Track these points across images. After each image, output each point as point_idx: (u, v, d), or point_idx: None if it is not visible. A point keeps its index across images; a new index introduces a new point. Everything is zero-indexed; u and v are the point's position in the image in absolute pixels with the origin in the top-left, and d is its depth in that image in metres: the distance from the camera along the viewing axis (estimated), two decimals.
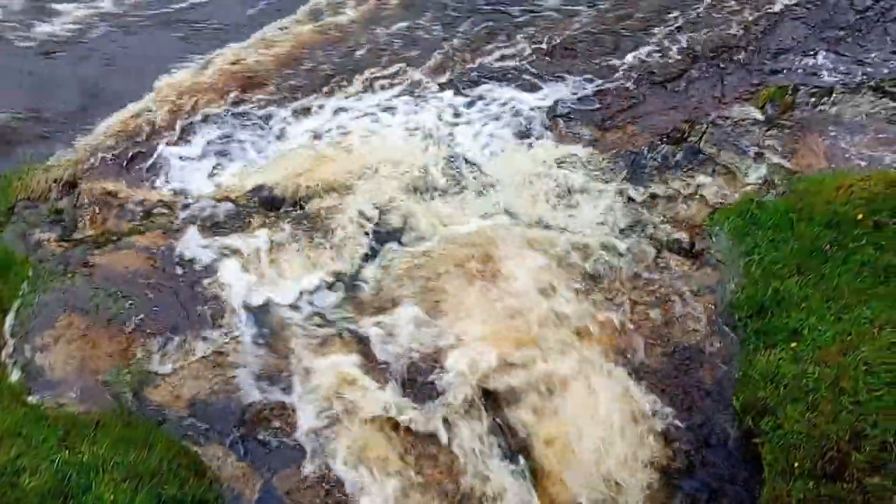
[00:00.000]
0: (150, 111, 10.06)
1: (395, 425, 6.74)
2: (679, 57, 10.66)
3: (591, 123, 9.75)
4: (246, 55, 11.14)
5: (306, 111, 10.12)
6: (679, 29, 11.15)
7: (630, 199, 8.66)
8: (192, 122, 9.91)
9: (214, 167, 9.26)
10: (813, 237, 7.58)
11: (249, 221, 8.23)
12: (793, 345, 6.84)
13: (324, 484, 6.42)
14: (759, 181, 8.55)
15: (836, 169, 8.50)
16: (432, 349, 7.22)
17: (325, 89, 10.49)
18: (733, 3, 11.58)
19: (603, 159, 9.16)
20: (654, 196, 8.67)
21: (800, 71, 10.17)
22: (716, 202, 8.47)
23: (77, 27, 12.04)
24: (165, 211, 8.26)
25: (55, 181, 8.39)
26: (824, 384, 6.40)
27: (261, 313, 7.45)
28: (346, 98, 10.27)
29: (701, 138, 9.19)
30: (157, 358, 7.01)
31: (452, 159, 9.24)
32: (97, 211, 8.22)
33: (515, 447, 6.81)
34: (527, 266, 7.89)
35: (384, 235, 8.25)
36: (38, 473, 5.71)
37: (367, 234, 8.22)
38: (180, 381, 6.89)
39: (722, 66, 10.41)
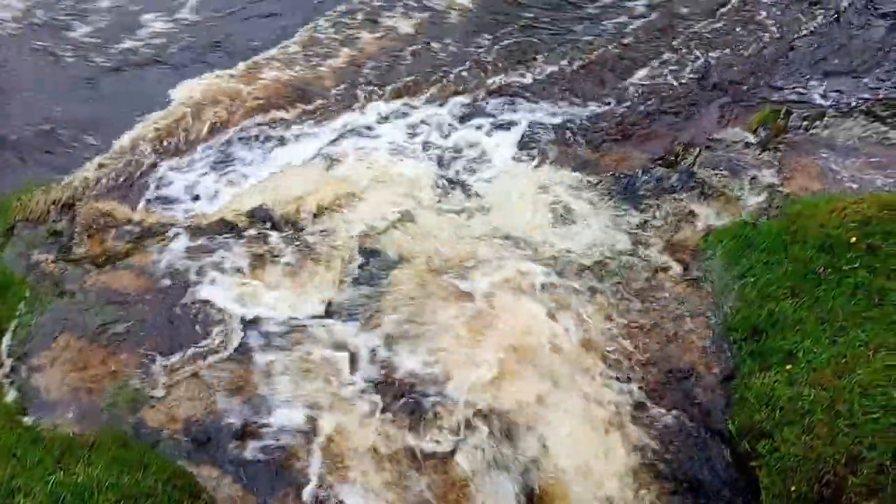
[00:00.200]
0: (152, 132, 10.02)
1: (391, 447, 6.60)
2: (674, 82, 10.64)
3: (587, 145, 9.71)
4: (242, 78, 11.10)
5: (306, 132, 10.08)
6: (676, 57, 11.14)
7: (625, 221, 8.59)
8: (192, 143, 9.87)
9: (213, 187, 9.20)
10: (807, 260, 7.50)
11: (247, 242, 8.12)
12: (788, 367, 6.74)
13: None
14: (753, 204, 8.47)
15: (829, 192, 8.43)
16: (425, 371, 7.08)
17: (325, 110, 10.46)
18: (727, 32, 11.59)
19: (599, 181, 9.11)
20: (648, 218, 8.60)
21: (792, 95, 10.14)
22: (710, 224, 8.39)
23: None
24: (162, 231, 8.17)
25: (54, 202, 8.32)
26: (820, 407, 6.31)
27: (257, 333, 7.33)
28: (344, 118, 10.22)
29: (695, 161, 9.14)
30: (153, 378, 6.88)
31: (450, 179, 9.18)
32: (95, 232, 8.13)
33: (512, 470, 6.71)
34: (521, 288, 7.79)
35: (378, 256, 8.15)
36: (33, 495, 5.58)
37: (361, 254, 8.13)
38: (175, 402, 6.77)
39: (715, 90, 10.39)
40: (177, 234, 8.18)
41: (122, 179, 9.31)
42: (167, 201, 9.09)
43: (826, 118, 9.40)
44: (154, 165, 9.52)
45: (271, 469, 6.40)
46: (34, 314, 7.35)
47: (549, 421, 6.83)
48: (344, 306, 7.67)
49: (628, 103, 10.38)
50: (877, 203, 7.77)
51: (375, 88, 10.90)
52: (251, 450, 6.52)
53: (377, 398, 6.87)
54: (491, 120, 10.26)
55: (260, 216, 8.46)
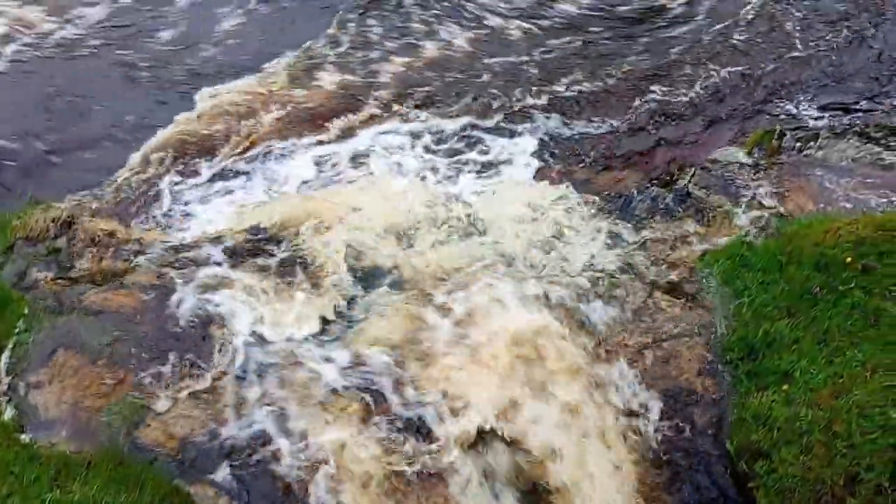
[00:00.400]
0: (152, 152, 10.00)
1: (390, 468, 6.50)
2: (670, 102, 10.60)
3: (585, 164, 9.67)
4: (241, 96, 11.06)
5: (308, 150, 10.04)
6: (675, 80, 11.11)
7: (621, 241, 8.52)
8: (191, 162, 9.83)
9: (215, 206, 9.17)
10: (802, 280, 7.42)
11: (245, 261, 8.04)
12: (785, 387, 6.66)
13: None
14: (748, 224, 8.40)
15: (824, 212, 8.37)
16: (419, 390, 7.00)
17: (326, 129, 10.43)
18: (726, 55, 11.56)
19: (595, 201, 9.06)
20: (644, 238, 8.53)
21: (786, 116, 10.10)
22: (705, 244, 8.32)
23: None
24: (160, 250, 8.07)
25: (53, 220, 8.22)
26: (817, 427, 6.22)
27: (256, 352, 7.22)
28: (343, 138, 10.18)
29: (690, 181, 9.07)
30: (150, 397, 6.77)
31: (447, 199, 9.11)
32: (94, 250, 8.04)
33: (506, 488, 6.61)
34: (516, 307, 7.69)
35: (375, 274, 8.08)
36: None
37: (358, 272, 8.06)
38: (173, 420, 6.66)
39: (710, 111, 10.35)
40: (176, 253, 8.09)
41: (124, 197, 9.26)
42: (169, 219, 9.04)
43: (820, 139, 9.35)
44: (158, 182, 9.47)
45: (268, 489, 6.30)
46: (32, 332, 7.23)
47: (543, 441, 6.74)
48: (343, 325, 7.59)
49: (630, 122, 10.33)
50: (871, 223, 7.71)
51: (382, 103, 10.85)
52: (248, 470, 6.41)
53: (374, 417, 6.77)
54: (495, 138, 10.21)
55: (260, 235, 8.38)
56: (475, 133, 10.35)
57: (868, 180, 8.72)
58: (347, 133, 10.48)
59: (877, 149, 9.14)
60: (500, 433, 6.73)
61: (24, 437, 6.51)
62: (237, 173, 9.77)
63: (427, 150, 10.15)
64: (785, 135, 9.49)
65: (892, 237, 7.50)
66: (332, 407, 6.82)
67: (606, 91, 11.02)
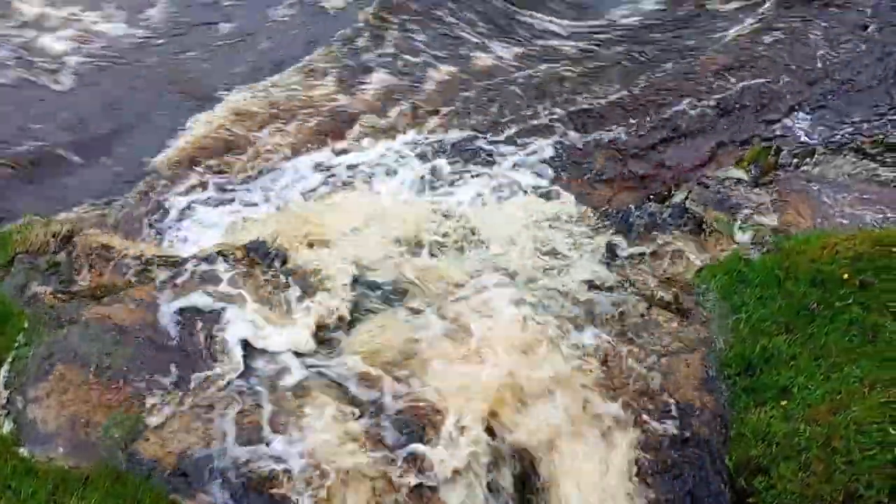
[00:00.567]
0: (153, 168, 9.96)
1: (390, 478, 6.41)
2: (667, 117, 10.55)
3: (582, 180, 9.61)
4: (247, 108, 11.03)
5: (312, 161, 9.99)
6: (671, 92, 11.07)
7: (619, 256, 8.45)
8: (192, 176, 9.78)
9: (212, 220, 9.10)
10: (800, 295, 7.36)
11: (245, 274, 7.96)
12: (783, 403, 6.59)
13: None
14: (745, 239, 8.35)
15: (821, 228, 8.32)
16: (419, 403, 6.90)
17: (324, 143, 10.37)
18: (721, 72, 11.52)
19: (593, 215, 9.00)
20: (642, 253, 8.47)
21: (783, 132, 10.06)
22: (703, 259, 8.26)
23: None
24: (160, 264, 8.00)
25: (54, 235, 8.16)
26: (816, 443, 6.15)
27: (254, 366, 7.15)
28: (343, 152, 10.13)
29: (687, 197, 9.02)
30: (148, 411, 6.69)
31: (446, 213, 9.05)
32: (94, 264, 7.97)
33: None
34: (515, 322, 7.59)
35: (374, 288, 7.99)
36: None
37: (358, 286, 7.97)
38: (170, 435, 6.58)
39: (708, 127, 10.30)
40: (175, 267, 8.01)
41: (126, 210, 9.21)
42: (169, 233, 8.98)
43: (816, 155, 9.31)
44: (162, 195, 9.42)
45: None
46: (32, 346, 7.16)
47: (541, 456, 6.67)
48: (342, 338, 7.51)
49: (634, 135, 10.28)
50: (868, 239, 7.66)
51: (362, 123, 10.79)
52: (245, 484, 6.32)
53: (375, 431, 6.69)
54: (499, 152, 10.16)
55: (260, 248, 8.31)
56: (479, 146, 10.29)
57: (864, 196, 8.68)
58: (352, 146, 10.42)
59: (872, 165, 9.11)
60: (490, 446, 6.67)
61: (23, 452, 6.44)
62: (241, 185, 9.71)
63: (430, 161, 10.10)
64: (781, 151, 9.45)
65: (889, 253, 7.45)
66: (332, 420, 6.73)
67: (611, 105, 10.97)
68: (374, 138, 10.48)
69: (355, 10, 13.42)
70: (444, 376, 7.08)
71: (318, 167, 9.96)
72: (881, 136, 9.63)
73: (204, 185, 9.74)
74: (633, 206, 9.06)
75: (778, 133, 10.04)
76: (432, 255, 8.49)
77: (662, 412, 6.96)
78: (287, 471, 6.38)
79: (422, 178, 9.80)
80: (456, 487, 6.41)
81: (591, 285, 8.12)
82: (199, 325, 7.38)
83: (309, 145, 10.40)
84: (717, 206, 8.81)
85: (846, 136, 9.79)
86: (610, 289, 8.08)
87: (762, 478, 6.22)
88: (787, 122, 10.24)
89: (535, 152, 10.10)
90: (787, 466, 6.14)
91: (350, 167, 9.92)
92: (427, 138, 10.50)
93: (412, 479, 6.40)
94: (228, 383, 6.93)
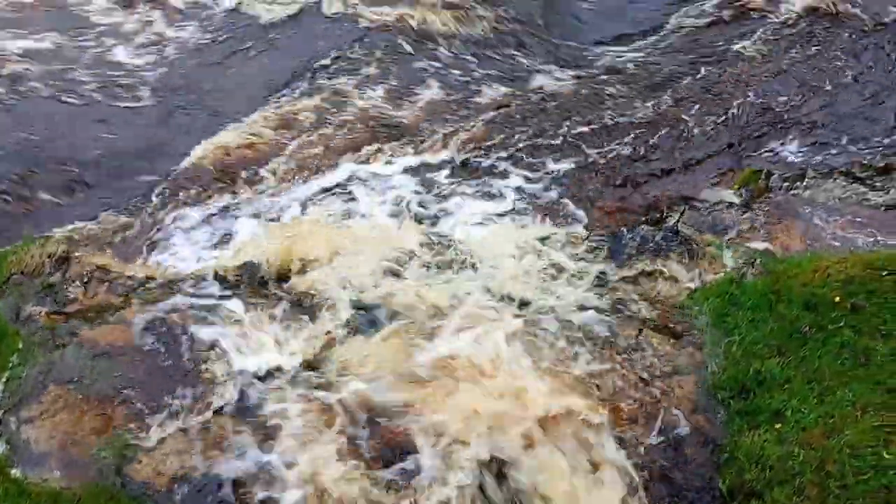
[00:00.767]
0: (151, 189, 9.90)
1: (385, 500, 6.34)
2: (657, 141, 10.53)
3: (573, 203, 9.56)
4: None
5: (309, 183, 9.93)
6: (661, 117, 11.05)
7: (612, 278, 8.38)
8: (187, 199, 9.71)
9: (206, 242, 9.04)
10: (792, 318, 7.30)
11: (239, 295, 7.89)
12: (777, 426, 6.51)
13: None
14: (737, 262, 8.27)
15: (812, 251, 8.27)
16: (410, 425, 6.82)
17: (315, 168, 10.31)
18: (710, 94, 11.51)
19: (584, 238, 8.93)
20: (635, 275, 8.39)
21: (773, 156, 10.03)
22: (695, 282, 8.18)
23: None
24: (155, 286, 7.93)
25: (49, 255, 8.08)
26: (810, 467, 6.07)
27: (247, 388, 7.06)
28: (333, 175, 10.07)
29: (679, 220, 8.98)
30: (142, 433, 6.62)
31: (438, 236, 8.98)
32: (89, 285, 7.89)
33: None
34: (505, 344, 7.50)
35: (366, 310, 7.90)
36: None
37: (351, 307, 7.87)
38: (164, 457, 6.50)
39: (699, 151, 10.28)
40: (171, 288, 7.94)
41: (122, 231, 9.14)
42: (164, 254, 8.91)
43: (806, 179, 9.28)
44: (160, 216, 9.36)
45: None
46: (26, 366, 7.09)
47: (534, 479, 6.58)
48: (336, 358, 7.41)
49: (615, 160, 10.24)
50: (859, 262, 7.63)
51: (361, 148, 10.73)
52: None
53: (366, 453, 6.61)
54: (491, 175, 10.11)
55: (254, 269, 8.24)
56: (466, 170, 10.25)
57: (855, 219, 8.65)
58: (348, 168, 10.35)
59: (862, 189, 9.08)
60: (481, 466, 6.59)
61: (15, 473, 6.39)
62: (238, 207, 9.64)
63: (420, 183, 10.05)
64: (772, 174, 9.42)
65: (880, 276, 7.42)
66: (326, 442, 6.66)
67: (605, 127, 10.94)
68: (371, 159, 10.43)
69: None
70: (433, 398, 7.00)
71: (316, 187, 9.89)
72: (870, 160, 9.62)
73: (202, 206, 9.67)
74: (625, 229, 9.00)
75: (768, 157, 10.01)
76: (422, 276, 8.41)
77: (655, 435, 6.89)
78: (281, 493, 6.31)
79: (409, 202, 9.75)
80: None
81: (584, 307, 8.04)
82: (193, 346, 7.30)
83: (306, 168, 10.35)
84: (709, 229, 8.77)
85: (837, 159, 9.78)
86: (603, 311, 8.00)
87: (756, 502, 6.12)
88: (777, 146, 10.22)
89: (530, 176, 10.05)
90: (781, 491, 6.05)
91: (349, 187, 9.86)
92: (413, 161, 10.44)
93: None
94: (221, 405, 6.85)
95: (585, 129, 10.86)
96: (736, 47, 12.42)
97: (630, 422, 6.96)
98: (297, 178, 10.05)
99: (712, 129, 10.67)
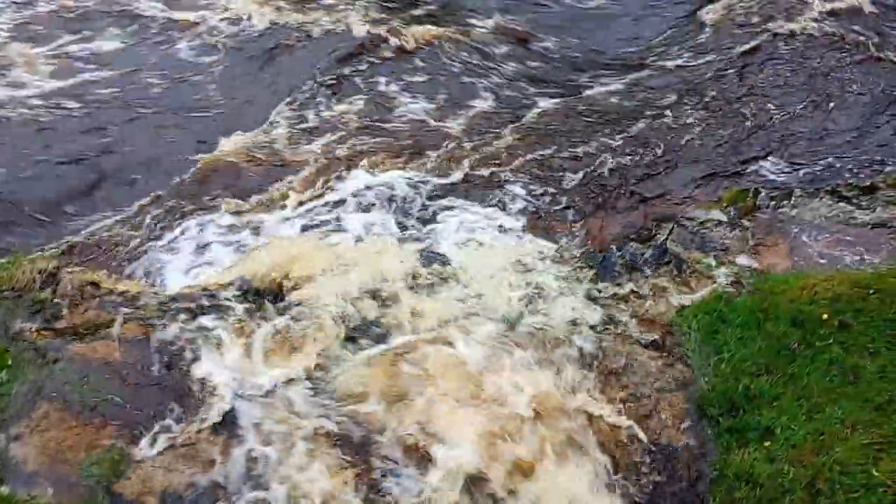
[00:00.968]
0: (144, 204, 9.81)
1: None
2: (644, 160, 10.51)
3: (562, 221, 9.52)
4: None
5: (289, 203, 9.85)
6: (649, 136, 11.03)
7: (600, 297, 8.34)
8: (182, 214, 9.63)
9: (198, 258, 8.96)
10: (780, 335, 7.31)
11: (232, 313, 7.82)
12: (766, 443, 6.48)
13: None
14: (726, 280, 8.25)
15: (799, 269, 8.26)
16: (404, 443, 6.79)
17: (306, 183, 10.23)
18: (697, 112, 11.51)
19: (574, 256, 8.89)
20: (623, 293, 8.35)
21: (761, 175, 10.03)
22: (684, 300, 8.15)
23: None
24: (146, 301, 7.85)
25: (40, 271, 8.00)
26: (800, 485, 6.04)
27: (238, 404, 7.00)
28: (332, 194, 10.00)
29: (667, 238, 8.95)
30: (131, 449, 6.55)
31: (426, 254, 8.92)
32: (79, 301, 7.81)
33: None
34: (495, 363, 7.48)
35: (361, 328, 7.83)
36: None
37: (342, 325, 7.79)
38: (153, 473, 6.43)
39: (687, 169, 10.27)
40: (162, 304, 7.87)
41: (114, 246, 9.04)
42: (156, 269, 8.82)
43: (793, 198, 9.27)
44: (151, 232, 9.28)
45: None
46: (16, 383, 7.01)
47: (524, 497, 6.52)
48: (327, 374, 7.36)
49: (603, 179, 10.22)
50: (846, 280, 7.66)
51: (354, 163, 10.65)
52: None
53: (365, 470, 6.59)
54: (481, 193, 10.06)
55: (248, 286, 8.18)
56: (459, 188, 10.19)
57: (842, 238, 8.64)
58: (338, 186, 10.27)
59: (849, 207, 9.08)
60: (474, 485, 6.54)
61: (5, 490, 6.30)
62: (231, 225, 9.55)
63: (409, 204, 9.99)
64: (759, 193, 9.41)
65: (867, 294, 7.42)
66: (318, 456, 6.62)
67: (596, 146, 10.91)
68: (366, 175, 10.36)
69: None
70: (426, 415, 6.96)
71: (305, 207, 9.81)
72: (856, 180, 9.63)
73: (196, 222, 9.58)
74: (614, 247, 8.97)
75: (756, 176, 10.00)
76: (414, 294, 8.36)
77: (645, 452, 6.84)
78: None
79: (400, 219, 9.70)
80: None
81: (573, 325, 8.00)
82: (185, 363, 7.24)
83: (296, 185, 10.27)
84: (698, 247, 8.75)
85: (823, 178, 9.78)
86: (592, 328, 7.96)
87: None
88: (764, 163, 10.22)
89: (521, 194, 10.00)
90: None
91: (335, 208, 9.78)
92: (397, 179, 10.37)
93: None
94: (213, 422, 6.78)
95: (578, 149, 10.83)
96: (724, 69, 12.42)
97: (620, 438, 6.92)
98: (295, 193, 9.97)
99: (700, 148, 10.65)
